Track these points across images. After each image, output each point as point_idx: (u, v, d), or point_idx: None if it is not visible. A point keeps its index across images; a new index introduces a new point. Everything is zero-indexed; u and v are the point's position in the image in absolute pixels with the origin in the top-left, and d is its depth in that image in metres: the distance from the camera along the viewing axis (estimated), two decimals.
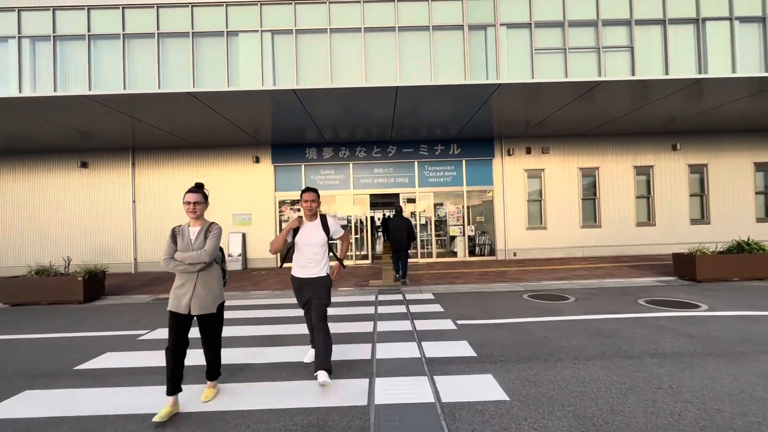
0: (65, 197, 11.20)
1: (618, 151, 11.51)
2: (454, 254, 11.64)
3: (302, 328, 4.81)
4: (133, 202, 11.21)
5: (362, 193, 11.46)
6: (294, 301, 6.50)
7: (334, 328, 4.40)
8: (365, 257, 12.06)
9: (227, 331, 4.64)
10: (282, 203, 11.46)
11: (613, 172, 11.49)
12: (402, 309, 5.70)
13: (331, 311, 5.52)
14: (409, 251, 8.33)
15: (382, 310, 5.70)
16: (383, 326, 4.83)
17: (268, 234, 11.26)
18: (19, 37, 10.77)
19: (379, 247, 16.51)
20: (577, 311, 5.28)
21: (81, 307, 6.53)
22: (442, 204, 11.68)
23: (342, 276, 9.15)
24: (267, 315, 5.65)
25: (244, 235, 11.19)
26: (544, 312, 5.29)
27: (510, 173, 11.40)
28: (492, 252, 11.59)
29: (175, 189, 11.27)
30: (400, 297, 6.58)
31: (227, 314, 5.59)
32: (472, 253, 11.57)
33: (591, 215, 11.54)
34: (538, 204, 11.55)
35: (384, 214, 21.83)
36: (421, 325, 4.83)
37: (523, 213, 11.37)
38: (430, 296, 6.58)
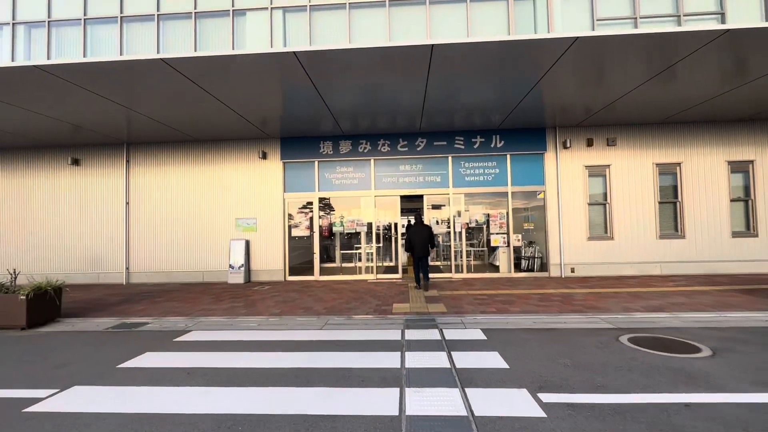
0: (53, 199, 10.06)
1: (706, 143, 9.16)
2: (496, 269, 9.60)
3: (291, 402, 3.01)
4: (127, 204, 9.91)
5: (385, 194, 9.66)
6: (295, 338, 4.74)
7: (329, 398, 2.58)
8: (391, 270, 10.22)
9: (149, 402, 2.91)
10: (293, 206, 9.83)
11: (700, 168, 9.15)
12: (441, 360, 3.80)
13: (334, 359, 3.71)
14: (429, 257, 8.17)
15: (411, 360, 3.83)
16: (415, 401, 2.95)
17: (276, 241, 9.65)
18: (13, 24, 9.79)
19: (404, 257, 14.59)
20: (740, 379, 3.21)
21: (16, 337, 5.04)
22: (480, 208, 9.70)
23: (360, 295, 7.36)
24: (240, 363, 3.89)
25: (247, 243, 9.63)
26: (678, 379, 3.25)
27: (566, 170, 9.30)
28: (543, 267, 9.47)
29: (172, 189, 9.89)
30: (436, 335, 4.68)
31: (175, 360, 3.88)
32: (517, 266, 9.50)
33: (671, 223, 9.22)
34: (601, 208, 9.35)
35: (408, 220, 20.02)
36: (480, 401, 2.92)
37: (583, 219, 9.21)
38: (479, 335, 4.64)
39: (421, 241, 7.78)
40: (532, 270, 9.54)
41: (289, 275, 9.72)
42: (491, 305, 6.18)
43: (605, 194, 9.32)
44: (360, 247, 10.33)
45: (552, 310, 5.78)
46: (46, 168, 10.08)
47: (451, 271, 9.51)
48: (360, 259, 10.00)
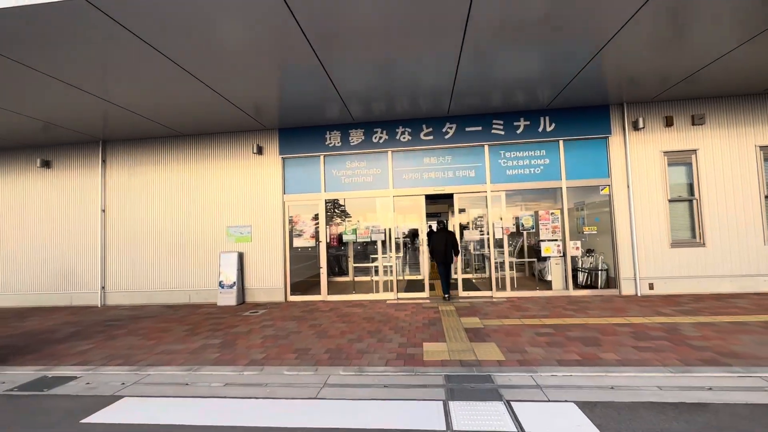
0: (20, 206, 8.69)
1: None
2: (547, 285, 7.61)
3: None
4: (103, 211, 8.43)
5: (406, 193, 7.85)
6: (271, 419, 2.95)
7: None
8: (416, 286, 8.36)
9: None
10: (295, 211, 8.13)
11: None
12: None
13: None
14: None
15: None
16: None
17: (274, 254, 7.95)
18: None
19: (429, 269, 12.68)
20: None
21: None
22: (526, 209, 7.75)
23: (376, 325, 5.54)
24: None
25: (240, 256, 7.97)
26: None
27: (639, 158, 7.26)
28: (608, 282, 7.42)
29: (153, 193, 8.36)
30: (502, 416, 2.79)
31: None
32: (575, 281, 7.48)
33: None
34: (687, 206, 7.26)
35: (430, 226, 18.04)
36: None
37: (662, 221, 7.14)
38: (577, 416, 2.74)
39: (443, 247, 7.38)
40: (594, 286, 7.50)
41: (291, 294, 7.99)
42: (568, 348, 4.23)
43: (691, 187, 7.22)
44: (377, 259, 8.53)
45: (669, 358, 3.79)
46: (12, 172, 8.73)
47: (490, 288, 7.57)
48: (377, 273, 8.21)
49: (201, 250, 8.15)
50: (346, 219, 8.21)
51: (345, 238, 7.94)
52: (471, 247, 10.59)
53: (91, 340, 5.34)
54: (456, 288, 8.09)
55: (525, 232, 7.72)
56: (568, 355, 3.97)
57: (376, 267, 8.35)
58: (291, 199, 8.07)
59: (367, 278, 8.40)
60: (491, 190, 7.59)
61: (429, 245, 7.73)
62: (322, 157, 8.02)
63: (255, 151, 7.94)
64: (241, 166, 8.17)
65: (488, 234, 7.68)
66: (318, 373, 3.76)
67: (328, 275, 10.16)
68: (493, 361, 3.90)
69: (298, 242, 8.06)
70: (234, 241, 8.08)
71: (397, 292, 7.76)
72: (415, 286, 8.93)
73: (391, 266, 7.86)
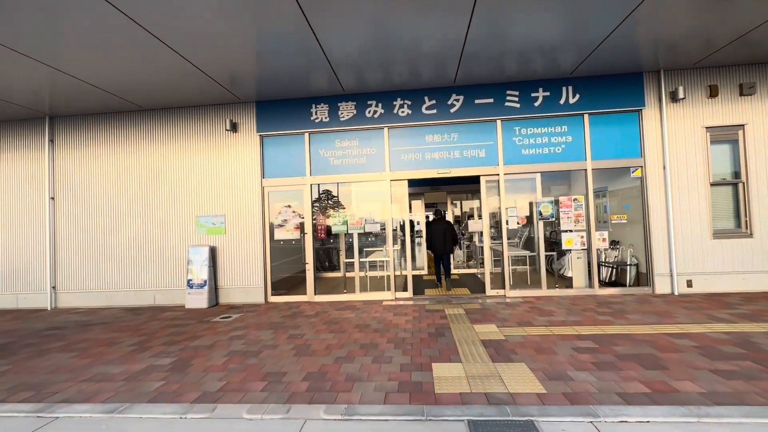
0: None
1: None
2: (566, 282, 6.60)
3: None
4: (51, 199, 7.23)
5: (405, 176, 6.75)
6: None
7: None
8: (417, 285, 7.32)
9: None
10: (276, 198, 7.00)
11: None
12: None
13: None
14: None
15: None
16: None
17: (252, 248, 6.84)
18: None
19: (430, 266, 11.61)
20: None
21: None
22: (544, 191, 6.70)
23: (371, 336, 4.49)
24: None
25: (213, 251, 6.85)
26: None
27: (677, 134, 6.22)
28: (639, 279, 6.45)
29: (111, 178, 7.17)
30: None
31: None
32: (601, 279, 6.48)
33: None
34: (731, 191, 6.26)
35: (427, 216, 16.83)
36: None
37: (703, 207, 6.14)
38: None
39: (441, 237, 7.37)
40: (621, 283, 6.52)
41: (272, 295, 6.90)
42: (625, 372, 3.21)
43: (738, 168, 6.22)
44: (372, 253, 7.47)
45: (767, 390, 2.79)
46: None
47: (502, 286, 6.54)
48: (372, 269, 7.17)
49: (168, 243, 7.00)
50: (336, 207, 7.10)
51: (334, 229, 6.84)
52: (475, 240, 9.56)
53: (10, 359, 4.22)
54: (461, 284, 7.08)
55: (542, 222, 6.67)
56: (630, 385, 2.95)
57: (371, 262, 7.29)
58: (271, 184, 6.92)
59: (361, 274, 7.33)
60: (504, 172, 6.51)
61: (426, 236, 7.62)
62: (307, 134, 6.87)
63: (228, 128, 6.76)
64: (213, 146, 6.99)
65: (501, 224, 6.62)
66: (290, 416, 2.69)
67: (317, 271, 9.08)
68: (530, 394, 2.86)
69: (280, 234, 6.95)
70: (205, 233, 6.94)
71: (396, 291, 6.70)
72: (415, 283, 7.90)
73: (387, 261, 6.80)
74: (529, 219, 6.84)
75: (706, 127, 6.17)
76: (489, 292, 6.65)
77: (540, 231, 6.63)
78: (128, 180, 7.11)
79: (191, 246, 6.81)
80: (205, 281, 6.63)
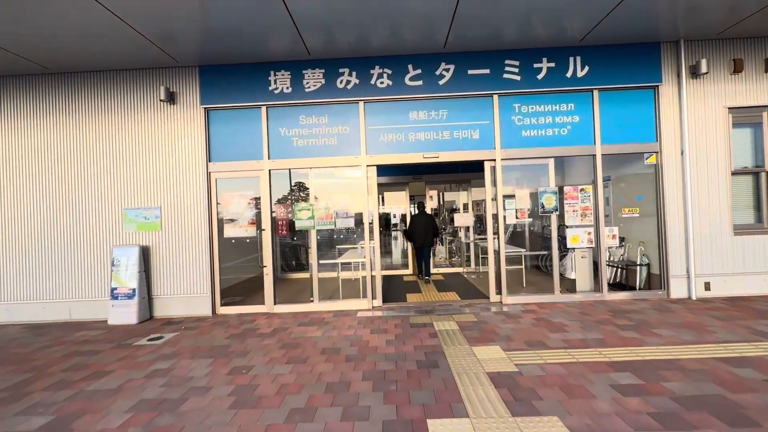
0: None
1: None
2: (570, 285, 5.72)
3: None
4: None
5: (385, 161, 5.62)
6: None
7: None
8: (398, 289, 6.28)
9: None
10: (226, 187, 5.70)
11: None
12: None
13: None
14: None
15: None
16: None
17: (196, 246, 5.54)
18: None
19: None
20: None
21: None
22: (543, 180, 5.77)
23: (341, 369, 3.38)
24: None
25: (145, 251, 5.50)
26: None
27: (697, 115, 5.41)
28: (651, 280, 5.67)
29: (10, 160, 5.63)
30: None
31: None
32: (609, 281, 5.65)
33: None
34: (752, 181, 5.55)
35: (414, 207, 15.66)
36: None
37: (723, 199, 5.39)
38: None
39: (423, 231, 7.36)
40: (631, 287, 5.73)
41: (222, 305, 5.64)
42: None
43: (759, 156, 5.50)
44: (346, 251, 6.36)
45: None
46: None
47: (498, 291, 5.57)
48: (348, 268, 6.08)
49: (87, 242, 5.57)
50: (301, 198, 5.90)
51: (299, 224, 5.63)
52: (462, 235, 8.61)
53: None
54: (448, 287, 6.11)
55: (557, 215, 5.73)
56: None
57: (345, 264, 6.17)
58: (220, 170, 5.62)
59: (333, 274, 6.20)
60: (502, 157, 5.51)
61: (408, 230, 7.61)
62: (264, 108, 5.59)
63: (163, 98, 5.38)
64: (144, 121, 5.58)
65: (499, 218, 5.63)
66: None
67: (282, 272, 7.89)
68: None
69: (231, 231, 5.67)
70: (135, 229, 5.55)
71: (373, 298, 5.61)
72: (396, 286, 6.83)
73: (364, 262, 5.69)
74: (548, 212, 5.89)
75: (729, 108, 5.40)
76: (493, 298, 5.68)
77: (553, 225, 5.66)
78: (35, 162, 5.59)
79: (116, 246, 5.42)
80: (134, 290, 5.27)
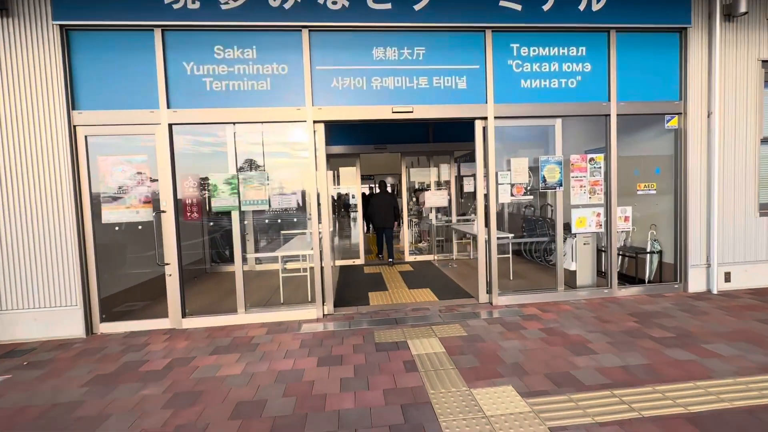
0: None
1: None
2: (569, 278, 4.60)
3: None
4: None
5: (338, 116, 4.06)
6: None
7: None
8: (356, 286, 4.88)
9: None
10: (102, 148, 3.86)
11: None
12: None
13: None
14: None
15: None
16: None
17: (56, 235, 3.71)
18: None
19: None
20: None
21: None
22: (537, 147, 4.52)
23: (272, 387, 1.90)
24: None
25: None
26: None
27: (728, 69, 4.38)
28: (663, 271, 4.73)
29: None
30: None
31: None
32: (599, 268, 4.63)
33: None
34: None
35: (371, 189, 14.10)
36: None
37: (750, 173, 4.47)
38: None
39: (383, 211, 6.81)
40: (644, 279, 4.75)
41: (105, 321, 3.90)
42: None
43: None
44: (293, 239, 4.84)
45: None
46: None
47: (488, 289, 4.33)
48: (294, 263, 4.58)
49: None
50: (220, 167, 4.21)
51: (216, 204, 3.96)
52: (433, 217, 7.33)
53: None
54: (420, 281, 4.84)
55: (549, 192, 4.53)
56: None
57: (290, 257, 4.65)
58: (91, 122, 3.77)
59: (274, 267, 4.67)
60: (496, 114, 4.17)
61: (367, 210, 7.11)
62: (159, 32, 3.77)
63: None
64: None
65: (484, 196, 4.33)
66: None
67: (210, 264, 6.22)
68: None
69: (114, 213, 3.88)
70: None
71: (324, 302, 4.15)
72: (356, 283, 5.40)
73: (311, 255, 4.19)
74: (551, 187, 4.65)
75: (763, 61, 4.42)
76: (481, 298, 4.42)
77: (558, 204, 4.42)
78: None
79: None
80: None
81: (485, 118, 4.17)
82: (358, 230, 8.08)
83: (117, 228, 3.92)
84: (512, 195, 4.28)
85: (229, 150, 3.97)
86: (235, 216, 3.98)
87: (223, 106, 3.88)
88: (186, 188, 3.95)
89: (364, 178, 8.98)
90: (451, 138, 7.26)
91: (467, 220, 7.75)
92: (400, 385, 2.57)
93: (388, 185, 8.16)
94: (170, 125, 3.83)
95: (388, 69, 4.05)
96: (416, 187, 9.12)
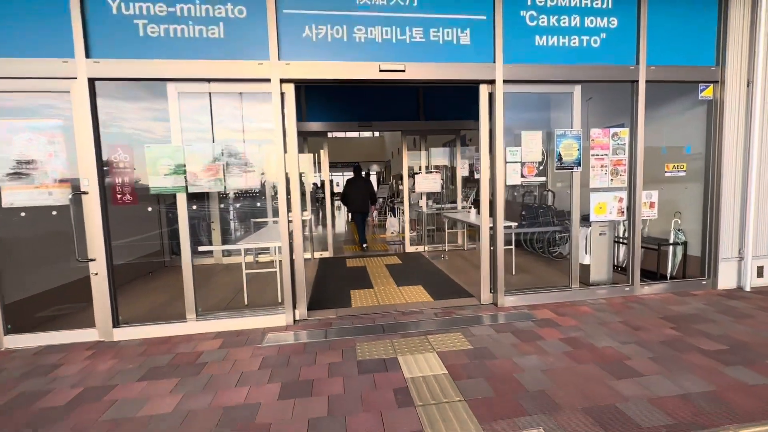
0: None
1: None
2: (581, 272, 3.96)
3: None
4: None
5: (312, 74, 3.23)
6: None
7: None
8: (335, 285, 4.15)
9: None
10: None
11: None
12: None
13: None
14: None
15: None
16: None
17: None
18: None
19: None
20: None
21: None
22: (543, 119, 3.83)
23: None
24: None
25: None
26: None
27: None
28: (686, 264, 4.15)
29: None
30: None
31: None
32: (624, 267, 4.03)
33: None
34: None
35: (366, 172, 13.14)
36: None
37: None
38: None
39: (362, 196, 6.81)
40: (667, 275, 4.16)
41: (13, 332, 3.05)
42: None
43: None
44: (253, 229, 4.06)
45: None
46: None
47: (493, 288, 3.66)
48: (263, 254, 3.82)
49: None
50: (157, 137, 3.36)
51: (155, 184, 3.10)
52: (424, 204, 6.62)
53: None
54: (410, 277, 4.14)
55: (568, 171, 3.84)
56: None
57: (251, 251, 3.86)
58: None
59: (238, 260, 3.89)
60: (506, 77, 3.43)
61: (343, 195, 7.08)
62: None
63: None
64: None
65: (486, 177, 3.61)
66: None
67: (170, 255, 5.40)
68: None
69: (17, 194, 2.99)
70: None
71: (295, 307, 3.39)
72: (337, 279, 4.63)
73: (280, 247, 3.41)
74: (567, 165, 3.96)
75: None
76: (484, 297, 3.75)
77: (575, 187, 3.72)
78: None
79: None
80: None
81: (492, 82, 3.42)
82: (342, 220, 7.36)
83: (23, 214, 3.04)
84: (522, 176, 3.58)
85: (172, 115, 3.11)
86: (181, 200, 3.14)
87: (162, 58, 3.01)
88: (114, 163, 3.08)
89: (343, 166, 8.19)
90: (445, 114, 6.47)
91: (457, 208, 7.10)
92: (390, 430, 1.86)
93: (372, 172, 7.66)
94: (91, 80, 2.95)
95: (375, 17, 3.25)
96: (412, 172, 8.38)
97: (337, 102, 6.19)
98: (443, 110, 6.46)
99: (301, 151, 6.31)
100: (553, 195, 6.12)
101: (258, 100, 3.29)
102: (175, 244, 5.89)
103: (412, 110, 6.43)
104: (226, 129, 3.36)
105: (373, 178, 18.46)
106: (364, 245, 6.84)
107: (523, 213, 6.19)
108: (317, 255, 6.38)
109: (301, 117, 6.01)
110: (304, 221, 4.94)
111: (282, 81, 3.16)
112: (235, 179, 3.22)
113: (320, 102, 6.10)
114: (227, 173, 3.17)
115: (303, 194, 6.41)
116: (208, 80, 3.11)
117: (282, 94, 3.21)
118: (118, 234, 3.37)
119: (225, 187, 3.21)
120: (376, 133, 26.91)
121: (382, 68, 3.23)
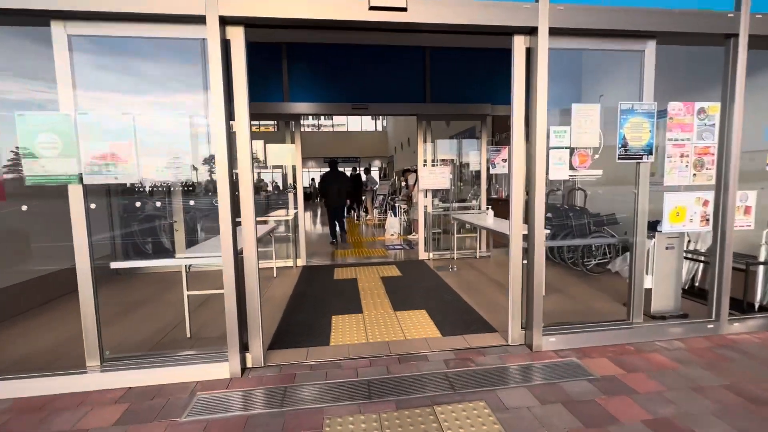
0: None
1: None
2: (643, 300, 2.90)
3: None
4: None
5: (272, 15, 2.20)
6: None
7: None
8: (316, 305, 3.12)
9: None
10: None
11: None
12: None
13: None
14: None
15: None
16: None
17: None
18: None
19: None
20: None
21: None
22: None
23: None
24: None
25: None
26: None
27: None
28: None
29: None
30: None
31: None
32: (694, 288, 3.01)
33: None
34: None
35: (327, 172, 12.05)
36: None
37: None
38: None
39: (337, 189, 6.83)
40: (752, 303, 3.10)
41: None
42: None
43: None
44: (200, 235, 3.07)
45: None
46: None
47: (526, 326, 2.63)
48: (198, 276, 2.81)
49: None
50: (38, 101, 2.36)
51: (30, 172, 2.09)
52: (429, 203, 5.60)
53: None
54: (406, 299, 3.13)
55: (635, 162, 2.77)
56: None
57: (191, 265, 2.86)
58: None
59: (217, 267, 2.89)
60: (553, 24, 2.37)
61: (321, 190, 7.13)
62: None
63: None
64: None
65: (521, 169, 2.57)
66: None
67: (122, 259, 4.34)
68: None
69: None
70: None
71: (245, 350, 2.38)
72: (315, 303, 3.57)
73: (222, 267, 2.38)
74: (635, 154, 2.89)
75: None
76: (513, 337, 2.72)
77: (642, 184, 2.67)
78: None
79: None
80: None
81: (533, 31, 2.38)
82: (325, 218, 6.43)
83: None
84: (572, 167, 2.54)
85: (59, 69, 2.10)
86: (74, 194, 2.14)
87: (57, 6, 1.99)
88: None
89: (343, 161, 7.22)
90: (461, 92, 5.36)
91: (468, 208, 6.10)
92: None
93: (374, 168, 6.67)
94: None
95: None
96: (401, 170, 7.36)
97: (327, 80, 5.15)
98: (457, 88, 5.38)
99: (287, 141, 5.31)
100: (585, 195, 5.08)
101: (192, 51, 2.27)
102: (130, 245, 4.94)
103: (418, 90, 5.35)
104: (139, 93, 2.34)
105: (375, 175, 17.43)
106: (332, 240, 6.90)
107: (549, 216, 5.14)
108: (300, 263, 5.36)
109: (282, 97, 4.98)
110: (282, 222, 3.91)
111: (223, 21, 2.14)
112: (171, 172, 2.20)
113: (305, 78, 5.05)
114: (143, 161, 2.16)
115: (288, 191, 5.39)
116: (114, 17, 2.08)
117: (226, 41, 2.19)
118: None
119: (140, 179, 2.19)
120: (379, 128, 25.94)
121: (372, 4, 2.19)
